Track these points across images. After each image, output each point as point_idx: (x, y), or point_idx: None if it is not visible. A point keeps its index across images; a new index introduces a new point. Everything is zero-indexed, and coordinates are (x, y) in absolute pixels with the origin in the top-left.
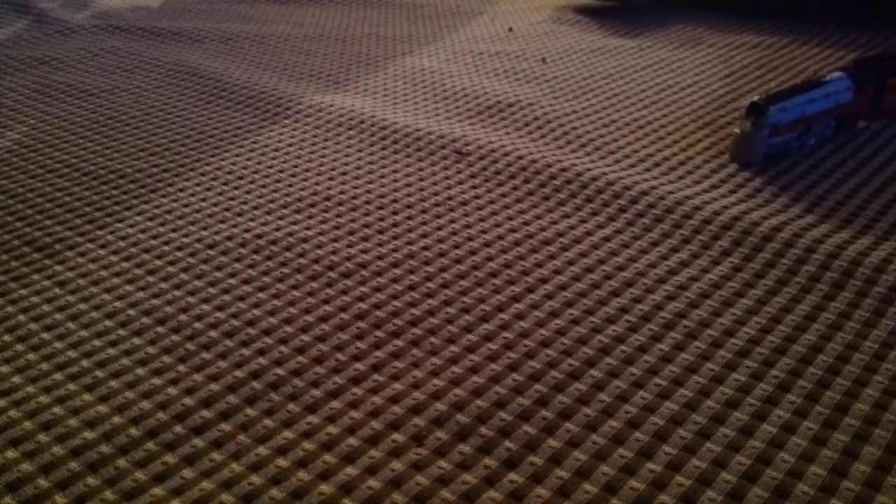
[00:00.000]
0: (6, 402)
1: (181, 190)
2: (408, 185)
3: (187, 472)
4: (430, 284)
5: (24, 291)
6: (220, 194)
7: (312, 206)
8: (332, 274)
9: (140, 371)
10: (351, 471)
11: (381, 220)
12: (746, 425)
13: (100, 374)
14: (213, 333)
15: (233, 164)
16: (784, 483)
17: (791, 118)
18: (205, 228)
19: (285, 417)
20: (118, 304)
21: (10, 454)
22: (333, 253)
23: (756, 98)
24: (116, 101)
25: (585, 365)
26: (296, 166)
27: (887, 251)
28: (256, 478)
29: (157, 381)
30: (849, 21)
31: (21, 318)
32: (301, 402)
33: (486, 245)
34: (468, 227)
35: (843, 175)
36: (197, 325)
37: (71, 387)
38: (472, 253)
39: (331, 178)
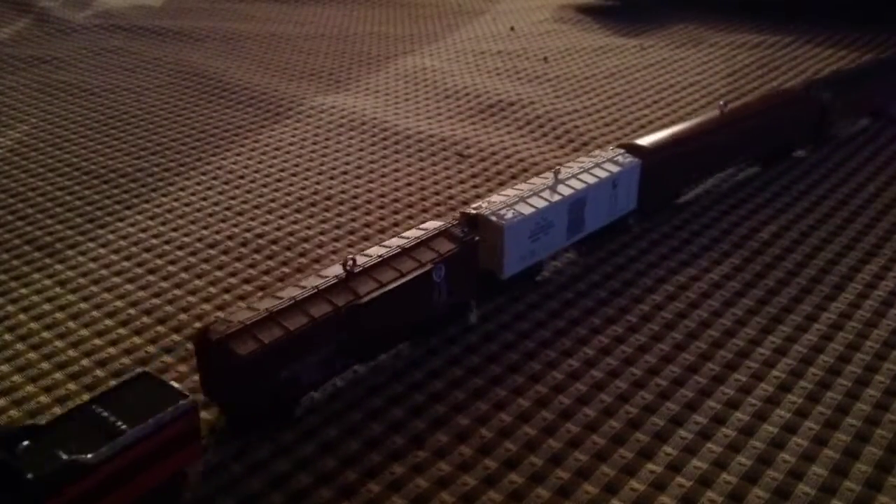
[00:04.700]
0: (6, 402)
1: (182, 189)
2: (408, 184)
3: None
4: None
5: (24, 290)
6: (221, 193)
7: (313, 205)
8: None
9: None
10: (350, 474)
11: (382, 219)
12: (747, 425)
13: (100, 373)
14: None
15: (234, 163)
16: (785, 483)
17: None
18: (206, 228)
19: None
20: (119, 303)
21: None
22: (334, 252)
23: None
24: (118, 100)
25: (586, 365)
26: (296, 166)
27: (888, 255)
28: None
29: None
30: (850, 21)
31: (21, 317)
32: (302, 403)
33: None
34: None
35: (844, 175)
36: (198, 324)
37: (71, 386)
38: None
39: (331, 178)
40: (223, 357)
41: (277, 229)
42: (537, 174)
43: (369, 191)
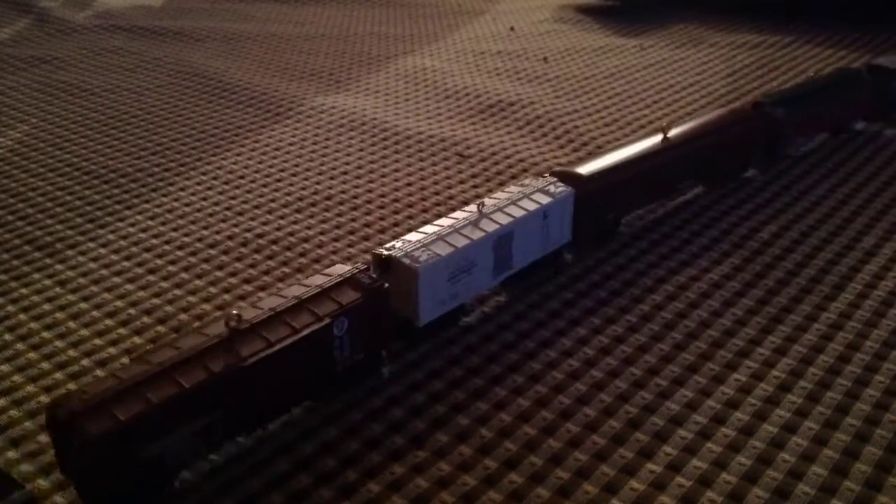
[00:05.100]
0: (6, 402)
1: (182, 189)
2: (408, 184)
3: (185, 473)
4: None
5: (24, 290)
6: (221, 194)
7: (313, 205)
8: None
9: None
10: (350, 474)
11: (382, 219)
12: (747, 425)
13: (100, 373)
14: None
15: (234, 163)
16: (785, 483)
17: None
18: (206, 228)
19: (286, 418)
20: (119, 303)
21: (11, 454)
22: (334, 252)
23: None
24: (118, 100)
25: (586, 365)
26: (297, 166)
27: (888, 255)
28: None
29: None
30: (850, 21)
31: (22, 317)
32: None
33: None
34: None
35: (844, 175)
36: (198, 324)
37: (71, 386)
38: None
39: (331, 178)
40: (72, 436)
41: (277, 229)
42: (537, 174)
43: (369, 191)
